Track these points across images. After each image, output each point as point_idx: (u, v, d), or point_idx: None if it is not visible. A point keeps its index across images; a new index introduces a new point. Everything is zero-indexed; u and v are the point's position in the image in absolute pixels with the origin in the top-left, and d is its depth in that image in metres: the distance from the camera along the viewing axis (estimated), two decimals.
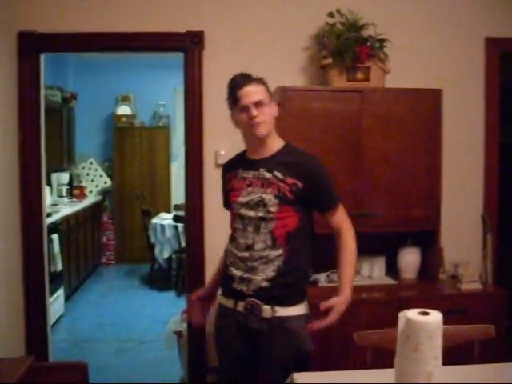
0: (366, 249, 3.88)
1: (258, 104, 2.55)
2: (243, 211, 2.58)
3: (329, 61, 3.69)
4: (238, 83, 2.64)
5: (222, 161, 3.03)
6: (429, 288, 3.82)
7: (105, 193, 8.98)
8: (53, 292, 5.56)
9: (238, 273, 2.58)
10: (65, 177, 8.13)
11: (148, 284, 7.65)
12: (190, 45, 3.85)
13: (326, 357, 3.39)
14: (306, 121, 3.60)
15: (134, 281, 7.92)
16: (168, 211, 8.30)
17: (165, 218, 7.55)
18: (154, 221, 7.52)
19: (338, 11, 3.74)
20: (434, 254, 3.88)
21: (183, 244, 6.97)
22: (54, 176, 7.81)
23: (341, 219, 2.66)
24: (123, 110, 8.85)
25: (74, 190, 8.32)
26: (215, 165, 3.87)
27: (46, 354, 4.03)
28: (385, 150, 3.67)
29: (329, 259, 3.84)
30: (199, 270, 3.95)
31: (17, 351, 3.75)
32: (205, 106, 3.88)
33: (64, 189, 8.01)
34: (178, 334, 4.17)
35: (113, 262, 8.89)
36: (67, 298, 6.53)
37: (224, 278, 2.69)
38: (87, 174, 8.86)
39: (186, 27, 3.83)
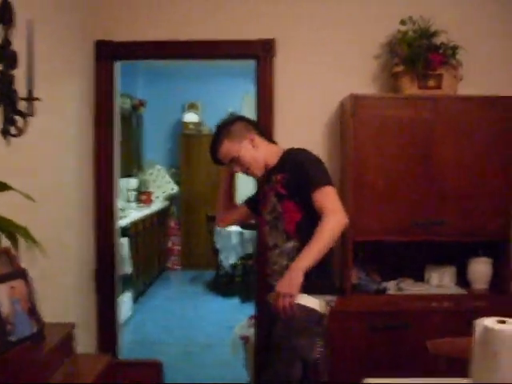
0: (436, 258, 3.88)
1: (231, 161, 2.85)
2: (268, 218, 2.84)
3: (400, 68, 3.67)
4: (212, 160, 2.93)
5: None
6: (500, 300, 3.73)
7: (171, 199, 9.12)
8: (122, 294, 5.68)
9: (268, 269, 2.84)
10: (133, 182, 8.30)
11: (213, 290, 7.73)
12: (261, 52, 3.88)
13: (394, 363, 3.37)
14: (377, 128, 3.58)
15: (198, 286, 8.02)
16: None
17: None
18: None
19: (410, 18, 3.71)
20: (505, 266, 3.79)
21: (248, 250, 7.02)
22: (123, 182, 7.98)
23: (323, 203, 2.60)
24: (190, 117, 8.99)
25: (142, 195, 8.49)
26: None
27: (116, 354, 4.12)
28: (456, 159, 3.60)
29: (397, 267, 3.86)
30: None
31: (88, 350, 3.84)
32: (276, 113, 3.91)
33: (132, 194, 8.19)
34: (245, 338, 4.20)
35: (178, 266, 9.02)
36: (135, 300, 6.67)
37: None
38: (154, 181, 9.02)
39: (257, 35, 3.87)
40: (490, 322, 1.94)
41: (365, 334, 3.44)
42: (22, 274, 2.12)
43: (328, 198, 2.62)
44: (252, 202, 3.12)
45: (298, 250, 2.61)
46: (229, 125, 2.89)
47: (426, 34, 3.67)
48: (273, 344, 2.66)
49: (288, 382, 2.57)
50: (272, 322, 2.69)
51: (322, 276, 2.69)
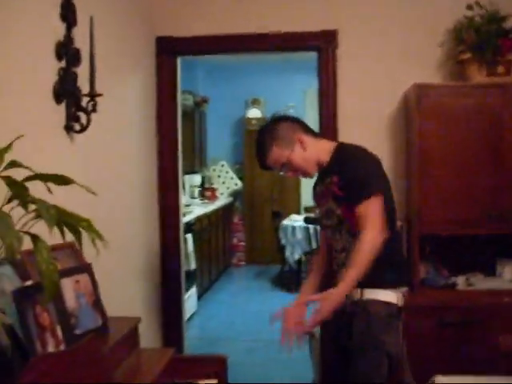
0: (506, 251, 3.74)
1: (282, 168, 2.70)
2: (325, 222, 2.72)
3: (467, 55, 3.55)
4: (260, 166, 2.75)
5: None
6: None
7: (235, 195, 9.16)
8: (186, 290, 5.72)
9: (335, 267, 2.70)
10: (197, 179, 8.37)
11: (278, 285, 7.71)
12: (323, 44, 3.83)
13: (464, 360, 3.26)
14: (443, 118, 3.48)
15: (263, 282, 8.01)
16: (298, 213, 8.34)
17: (296, 220, 7.58)
18: (285, 222, 7.57)
19: (478, 3, 3.58)
20: None
21: (314, 245, 6.96)
22: (187, 178, 8.04)
23: (363, 217, 2.49)
24: (253, 113, 9.00)
25: (206, 191, 8.55)
26: None
27: (182, 350, 4.14)
28: None
29: (467, 261, 3.74)
30: None
31: (153, 346, 3.87)
32: (339, 105, 3.84)
33: (196, 190, 8.26)
34: (310, 334, 4.15)
35: (243, 262, 9.05)
36: (199, 296, 6.71)
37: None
38: (218, 176, 9.08)
39: (319, 26, 3.82)
40: None
41: (434, 330, 3.32)
42: (86, 268, 2.13)
43: (370, 213, 2.50)
44: None
45: None
46: (274, 128, 2.71)
47: (495, 18, 3.53)
48: (353, 344, 2.54)
49: (380, 382, 2.49)
50: (342, 323, 2.59)
51: (394, 269, 2.62)
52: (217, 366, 2.29)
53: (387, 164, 3.81)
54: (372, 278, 2.48)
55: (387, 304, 2.53)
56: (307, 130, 2.73)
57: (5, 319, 1.62)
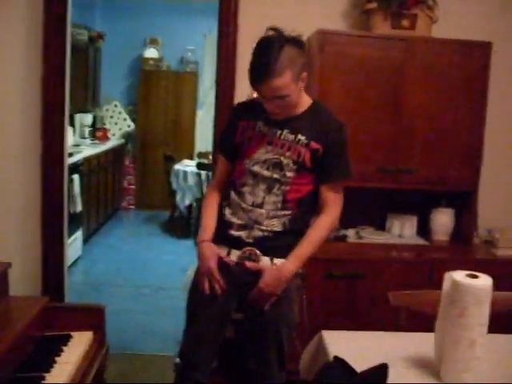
0: (397, 207, 3.77)
1: (273, 97, 2.28)
2: (257, 168, 2.39)
3: (373, 5, 3.46)
4: (256, 78, 2.26)
5: None
6: (462, 251, 3.66)
7: (128, 136, 8.86)
8: (71, 233, 5.46)
9: (238, 221, 2.40)
10: (88, 118, 8.01)
11: (167, 231, 7.58)
12: None
13: (351, 313, 3.27)
14: (345, 67, 3.39)
15: (153, 227, 7.85)
16: (191, 158, 8.17)
17: (188, 165, 7.41)
18: (177, 167, 7.37)
19: None
20: (468, 217, 3.71)
21: (205, 192, 6.84)
22: (78, 117, 7.68)
23: (333, 198, 2.42)
24: (151, 52, 8.66)
25: (97, 131, 8.21)
26: None
27: (63, 296, 3.94)
28: (426, 104, 3.46)
29: (358, 216, 3.74)
30: None
31: (32, 292, 3.66)
32: (239, 50, 3.66)
33: (87, 130, 7.91)
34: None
35: (133, 206, 8.83)
36: (85, 240, 6.46)
37: (218, 223, 2.49)
38: (111, 117, 8.75)
39: None
40: (459, 275, 1.82)
41: (321, 282, 3.29)
42: None
43: (339, 196, 2.44)
44: (232, 148, 2.53)
45: (291, 220, 2.38)
46: (296, 51, 2.26)
47: None
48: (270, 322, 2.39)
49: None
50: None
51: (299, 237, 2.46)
52: (95, 316, 2.13)
53: None
54: (288, 248, 2.37)
55: (298, 274, 2.42)
56: (306, 68, 2.38)
57: None
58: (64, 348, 1.95)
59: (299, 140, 2.36)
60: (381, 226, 3.82)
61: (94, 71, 8.07)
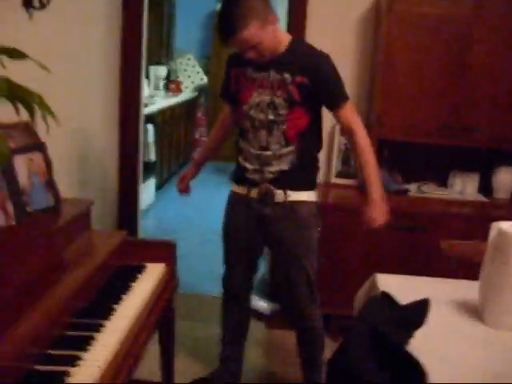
0: (459, 164, 3.83)
1: (248, 48, 2.44)
2: (253, 113, 2.59)
3: None
4: (224, 37, 2.45)
5: None
6: None
7: (200, 90, 9.03)
8: (145, 180, 5.75)
9: (251, 166, 2.65)
10: (163, 70, 8.20)
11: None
12: None
13: (407, 263, 3.38)
14: (413, 26, 3.46)
15: (223, 178, 8.04)
16: None
17: None
18: None
19: None
20: None
21: None
22: (152, 69, 7.89)
23: (350, 118, 2.60)
24: None
25: (171, 84, 8.41)
26: None
27: (136, 236, 4.20)
28: (493, 64, 3.48)
29: (421, 170, 3.82)
30: None
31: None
32: (309, 3, 3.76)
33: (161, 82, 8.11)
34: None
35: None
36: (158, 187, 6.74)
37: (236, 168, 2.78)
38: (185, 70, 8.91)
39: None
40: (506, 225, 1.92)
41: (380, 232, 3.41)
42: (40, 147, 2.12)
43: (354, 115, 2.61)
44: (230, 94, 2.76)
45: (297, 156, 2.59)
46: (253, 0, 2.38)
47: None
48: (285, 245, 2.70)
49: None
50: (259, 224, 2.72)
51: (316, 172, 2.78)
52: (166, 250, 2.35)
53: (352, 68, 3.82)
54: (298, 181, 2.63)
55: (312, 203, 2.68)
56: (272, 9, 2.50)
57: None
58: (139, 275, 2.17)
59: (285, 77, 2.51)
60: (443, 183, 3.89)
61: (169, 25, 8.24)
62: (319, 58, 2.56)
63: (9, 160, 1.76)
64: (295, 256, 2.66)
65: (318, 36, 3.59)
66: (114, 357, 1.62)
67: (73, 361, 1.53)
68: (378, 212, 2.58)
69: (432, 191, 3.76)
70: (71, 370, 1.48)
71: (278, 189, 2.61)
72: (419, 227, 3.41)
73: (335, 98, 2.58)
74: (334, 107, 2.59)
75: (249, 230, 2.75)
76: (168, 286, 2.27)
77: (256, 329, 3.57)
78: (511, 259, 1.87)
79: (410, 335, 1.56)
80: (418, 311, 1.65)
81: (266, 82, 2.55)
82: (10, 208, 1.87)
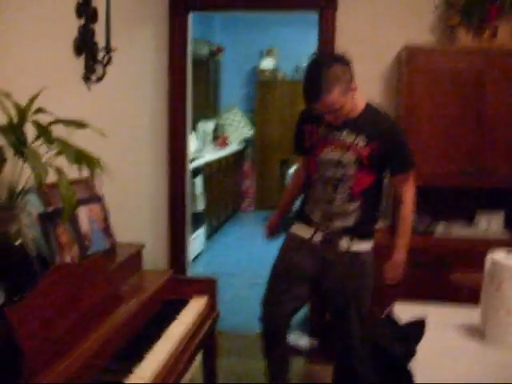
0: (485, 202, 4.03)
1: (328, 111, 2.65)
2: (322, 168, 2.82)
3: (456, 20, 3.80)
4: (310, 98, 2.64)
5: None
6: None
7: (247, 142, 9.42)
8: (195, 230, 6.10)
9: (315, 218, 2.89)
10: (210, 125, 8.64)
11: (284, 230, 7.99)
12: (323, 2, 4.09)
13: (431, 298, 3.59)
14: (431, 78, 3.75)
15: None
16: None
17: None
18: (291, 171, 7.84)
19: None
20: None
21: None
22: (201, 124, 8.34)
23: (404, 186, 2.85)
24: (266, 64, 9.17)
25: (218, 138, 8.85)
26: None
27: None
28: (508, 108, 3.74)
29: (446, 211, 4.05)
30: None
31: None
32: None
33: (209, 137, 8.54)
34: None
35: (252, 208, 9.36)
36: (208, 237, 7.09)
37: (300, 212, 3.00)
38: (231, 124, 9.33)
39: None
40: (499, 255, 2.19)
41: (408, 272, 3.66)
42: (98, 199, 2.51)
43: (410, 184, 2.88)
44: (303, 148, 2.97)
45: (362, 212, 2.83)
46: (339, 69, 2.59)
47: None
48: (347, 290, 2.89)
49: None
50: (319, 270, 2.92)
51: (376, 223, 3.00)
52: (207, 285, 2.68)
53: None
54: (361, 232, 2.86)
55: (372, 251, 2.93)
56: (354, 77, 2.69)
57: (33, 234, 2.00)
58: (182, 308, 2.51)
59: (357, 140, 2.74)
60: (470, 221, 4.07)
61: (215, 82, 8.73)
62: (390, 125, 2.82)
63: (74, 208, 2.14)
64: (355, 300, 2.81)
65: None
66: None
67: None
68: (395, 273, 2.90)
69: (458, 231, 3.98)
70: None
71: (342, 238, 2.85)
72: (441, 264, 3.64)
73: (402, 166, 2.85)
74: (395, 174, 2.87)
75: (314, 273, 2.92)
76: (209, 316, 2.61)
77: (296, 364, 3.81)
78: (503, 286, 2.13)
79: (408, 349, 1.82)
80: (416, 328, 1.92)
81: (337, 141, 2.76)
82: (76, 250, 2.24)
